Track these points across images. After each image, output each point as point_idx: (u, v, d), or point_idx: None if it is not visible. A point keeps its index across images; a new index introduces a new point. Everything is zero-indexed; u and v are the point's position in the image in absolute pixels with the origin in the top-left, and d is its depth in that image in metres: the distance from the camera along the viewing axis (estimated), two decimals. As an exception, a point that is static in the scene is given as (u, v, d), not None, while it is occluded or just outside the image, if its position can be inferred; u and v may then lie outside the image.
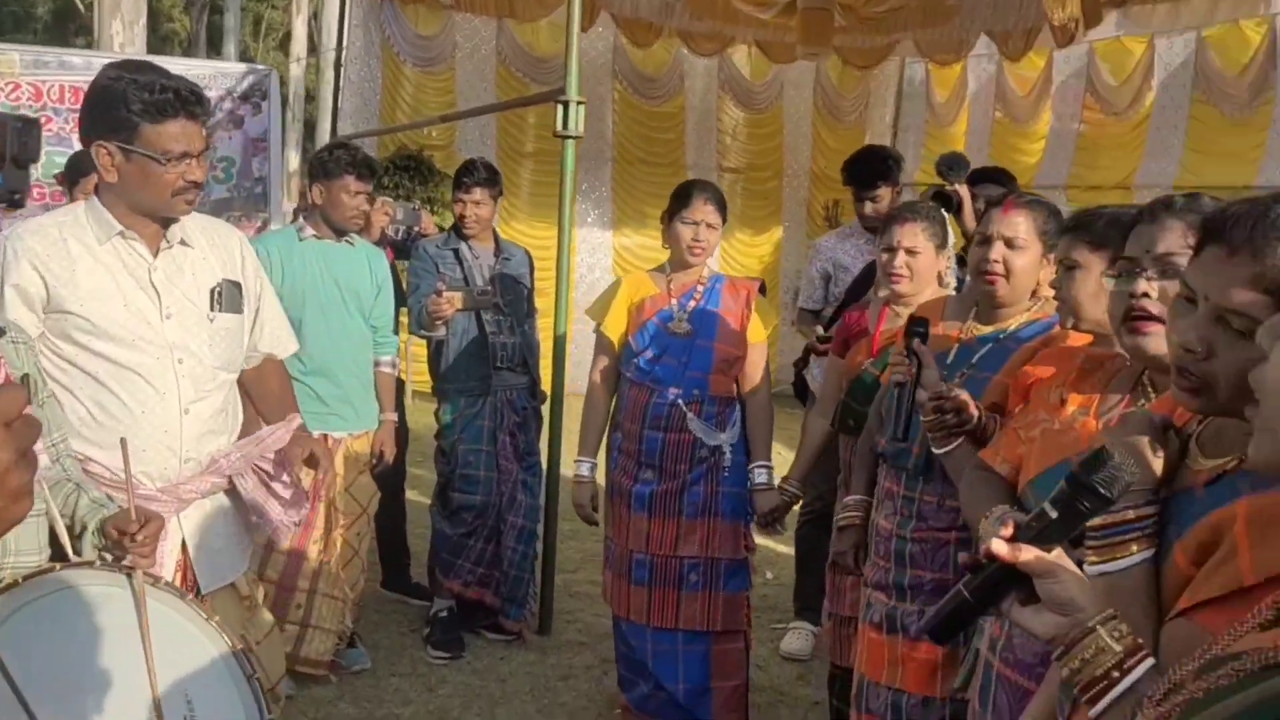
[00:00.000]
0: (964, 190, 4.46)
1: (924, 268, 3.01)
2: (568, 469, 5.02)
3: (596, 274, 9.40)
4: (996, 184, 4.67)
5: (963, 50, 8.53)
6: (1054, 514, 1.10)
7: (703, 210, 3.44)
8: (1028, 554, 1.09)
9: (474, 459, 4.37)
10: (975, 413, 2.22)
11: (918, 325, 2.48)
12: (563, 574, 4.86)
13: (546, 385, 4.62)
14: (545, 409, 4.63)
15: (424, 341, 4.54)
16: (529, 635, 4.46)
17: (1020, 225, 2.44)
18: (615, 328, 3.57)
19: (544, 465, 4.56)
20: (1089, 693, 1.07)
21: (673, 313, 3.48)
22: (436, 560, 4.43)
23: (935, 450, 2.30)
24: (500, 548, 4.38)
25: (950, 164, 4.66)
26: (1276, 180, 7.38)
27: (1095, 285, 2.01)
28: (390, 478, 4.41)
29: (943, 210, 3.24)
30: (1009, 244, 2.44)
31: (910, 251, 3.01)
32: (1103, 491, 1.09)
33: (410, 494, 5.13)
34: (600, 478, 3.68)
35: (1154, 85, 8.44)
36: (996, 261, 2.43)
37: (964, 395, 2.23)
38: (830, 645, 3.26)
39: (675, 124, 9.77)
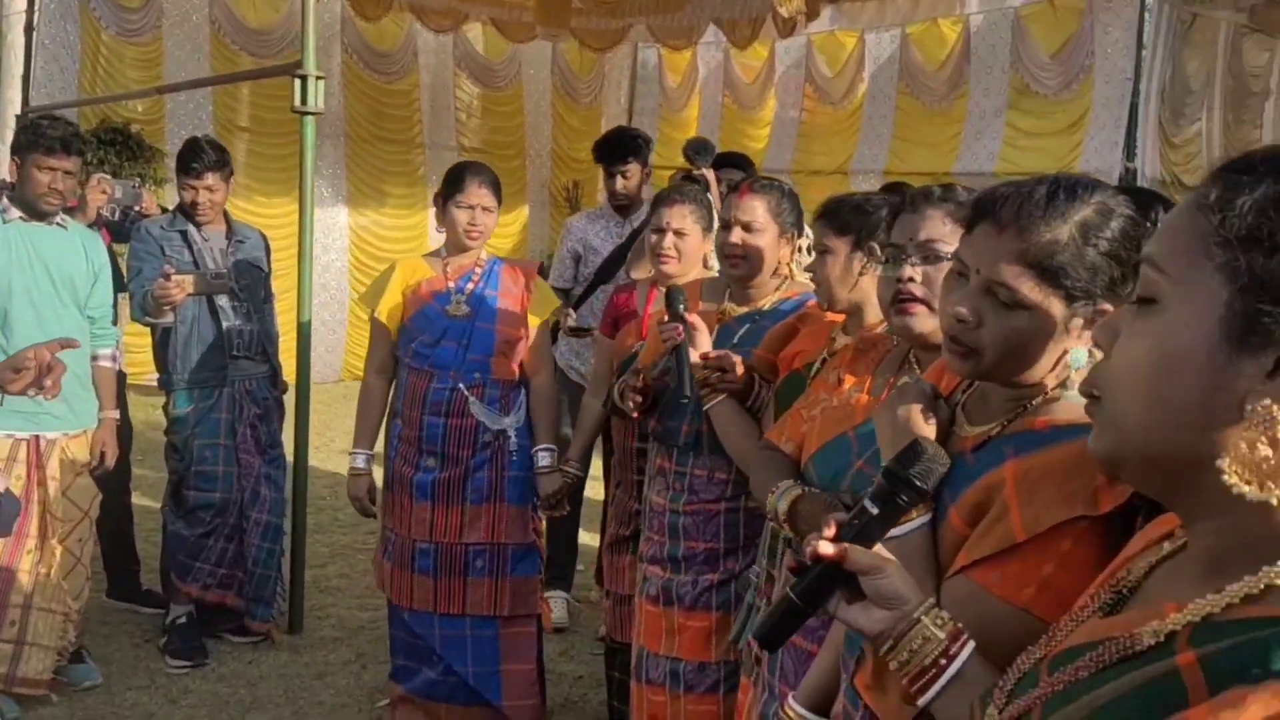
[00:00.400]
0: (710, 174, 4.62)
1: (691, 249, 3.10)
2: (314, 460, 4.85)
3: (331, 255, 9.02)
4: (738, 169, 4.87)
5: (693, 36, 8.80)
6: (874, 510, 1.13)
7: (478, 194, 3.38)
8: (854, 552, 1.10)
9: (211, 454, 4.12)
10: (742, 371, 2.37)
11: (677, 292, 2.61)
12: (311, 569, 4.67)
13: (290, 374, 4.41)
14: (289, 399, 4.42)
15: (143, 330, 4.22)
16: (279, 635, 4.26)
17: (756, 209, 2.59)
18: (390, 314, 3.47)
19: (289, 458, 4.35)
20: (918, 681, 1.09)
21: (450, 296, 3.41)
22: (172, 564, 4.15)
23: (705, 407, 2.42)
24: (244, 546, 4.15)
25: (697, 148, 4.82)
26: (972, 167, 8.11)
27: (842, 268, 2.17)
28: (114, 479, 4.08)
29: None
30: (746, 228, 2.58)
31: (678, 233, 3.08)
32: (919, 484, 1.14)
33: (134, 495, 4.75)
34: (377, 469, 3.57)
35: (865, 78, 9.05)
36: (736, 245, 2.57)
37: (734, 356, 2.38)
38: (609, 622, 3.31)
39: (409, 100, 9.52)
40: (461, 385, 3.37)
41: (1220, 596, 0.73)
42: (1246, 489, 0.72)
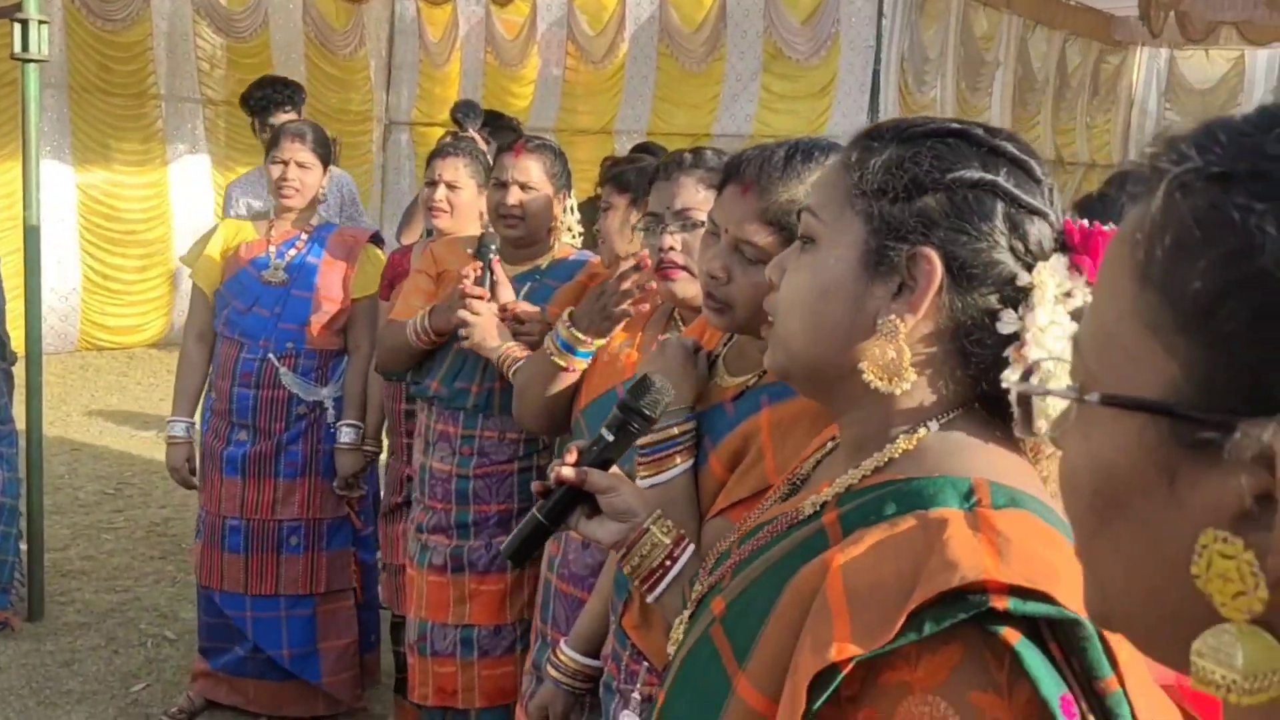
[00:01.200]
0: (478, 136, 4.58)
1: (465, 203, 3.07)
2: (50, 436, 4.50)
3: (60, 216, 8.26)
4: (510, 130, 4.85)
5: (452, -10, 8.66)
6: (610, 437, 1.24)
7: (290, 148, 3.21)
8: (593, 475, 1.21)
9: (-69, 433, 3.76)
10: (541, 327, 2.41)
11: (490, 239, 2.59)
12: (51, 553, 4.35)
13: (18, 345, 4.06)
14: (18, 370, 4.08)
15: None
16: (18, 624, 3.95)
17: (532, 169, 2.59)
18: (207, 277, 3.28)
19: (21, 435, 4.03)
20: (647, 582, 1.23)
21: (269, 261, 3.25)
22: (-113, 555, 3.77)
23: (509, 367, 2.40)
24: (-27, 530, 3.82)
25: (465, 110, 4.77)
26: (730, 129, 8.39)
27: (621, 221, 2.23)
28: None
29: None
30: (523, 188, 2.58)
31: (451, 185, 3.04)
32: (647, 413, 1.23)
33: None
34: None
35: (626, 38, 9.15)
36: (515, 205, 2.57)
37: (534, 308, 2.42)
38: (386, 595, 3.25)
39: (142, 50, 8.83)
40: (272, 355, 3.22)
41: (857, 471, 0.91)
42: (880, 384, 0.89)
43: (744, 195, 1.36)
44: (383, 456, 3.48)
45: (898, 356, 0.88)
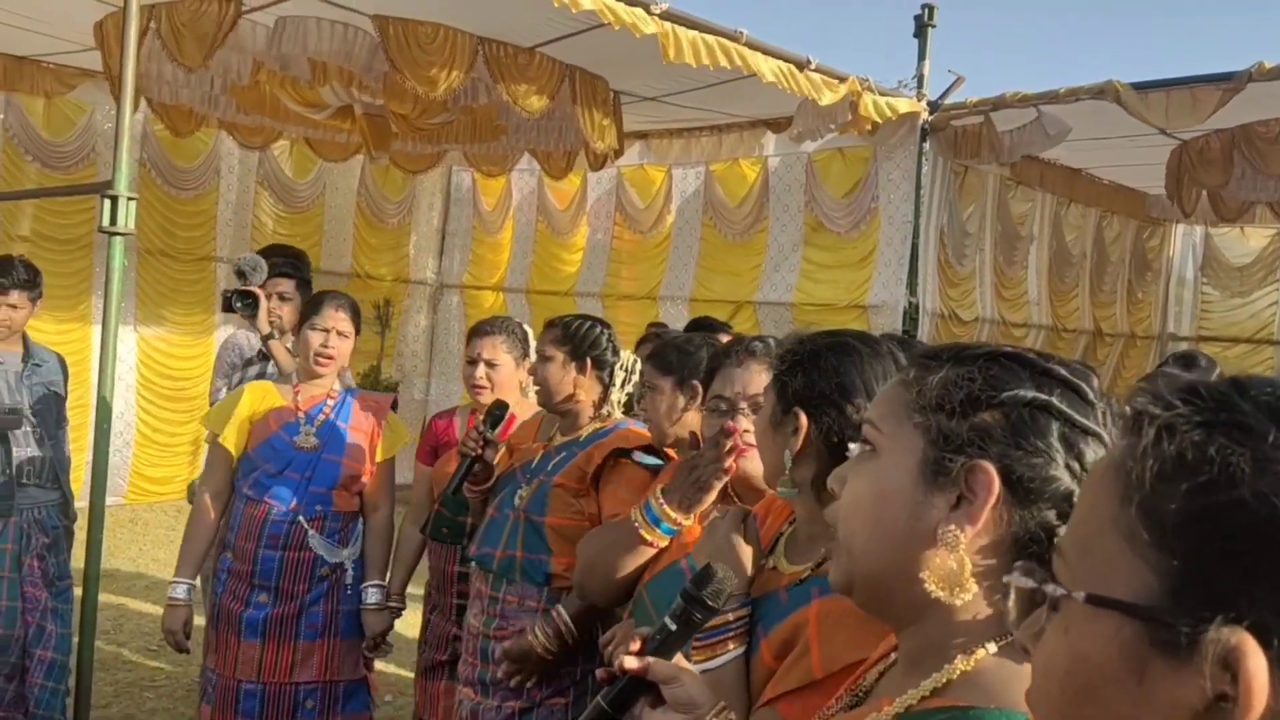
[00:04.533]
0: (260, 292, 4.41)
1: (504, 379, 3.22)
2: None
3: (120, 372, 8.57)
4: (290, 271, 4.65)
5: (508, 165, 9.05)
6: (673, 627, 1.27)
7: (333, 317, 3.36)
8: (656, 665, 1.23)
9: (-7, 587, 3.86)
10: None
11: (497, 409, 2.83)
12: (96, 709, 4.37)
13: (82, 498, 4.19)
14: (80, 526, 4.19)
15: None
16: (58, 783, 3.96)
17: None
18: (235, 441, 3.38)
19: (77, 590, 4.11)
20: None
21: (299, 426, 3.36)
22: (-59, 707, 3.83)
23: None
24: (25, 686, 3.88)
25: (251, 266, 4.52)
26: (772, 296, 8.61)
27: (668, 404, 2.33)
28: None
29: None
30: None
31: (490, 364, 3.19)
32: (710, 604, 1.27)
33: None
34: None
35: (673, 209, 9.50)
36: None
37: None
38: None
39: (208, 218, 9.27)
40: (302, 518, 3.30)
41: (916, 691, 0.93)
42: (941, 594, 0.91)
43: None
44: (408, 613, 3.55)
45: (959, 567, 0.90)
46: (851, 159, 8.31)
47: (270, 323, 4.25)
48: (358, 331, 3.49)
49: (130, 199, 4.15)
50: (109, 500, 4.30)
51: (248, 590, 3.31)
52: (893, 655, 1.09)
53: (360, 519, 3.45)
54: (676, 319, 8.50)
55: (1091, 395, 0.96)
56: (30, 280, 3.96)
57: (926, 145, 7.84)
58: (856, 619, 1.34)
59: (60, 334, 7.55)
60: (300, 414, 3.39)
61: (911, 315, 7.88)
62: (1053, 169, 8.98)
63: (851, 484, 1.01)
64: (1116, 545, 0.63)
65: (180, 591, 3.35)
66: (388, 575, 3.54)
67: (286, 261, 4.61)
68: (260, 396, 3.44)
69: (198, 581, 3.44)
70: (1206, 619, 0.57)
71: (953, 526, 0.91)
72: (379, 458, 3.45)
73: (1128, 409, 0.68)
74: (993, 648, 0.92)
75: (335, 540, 3.36)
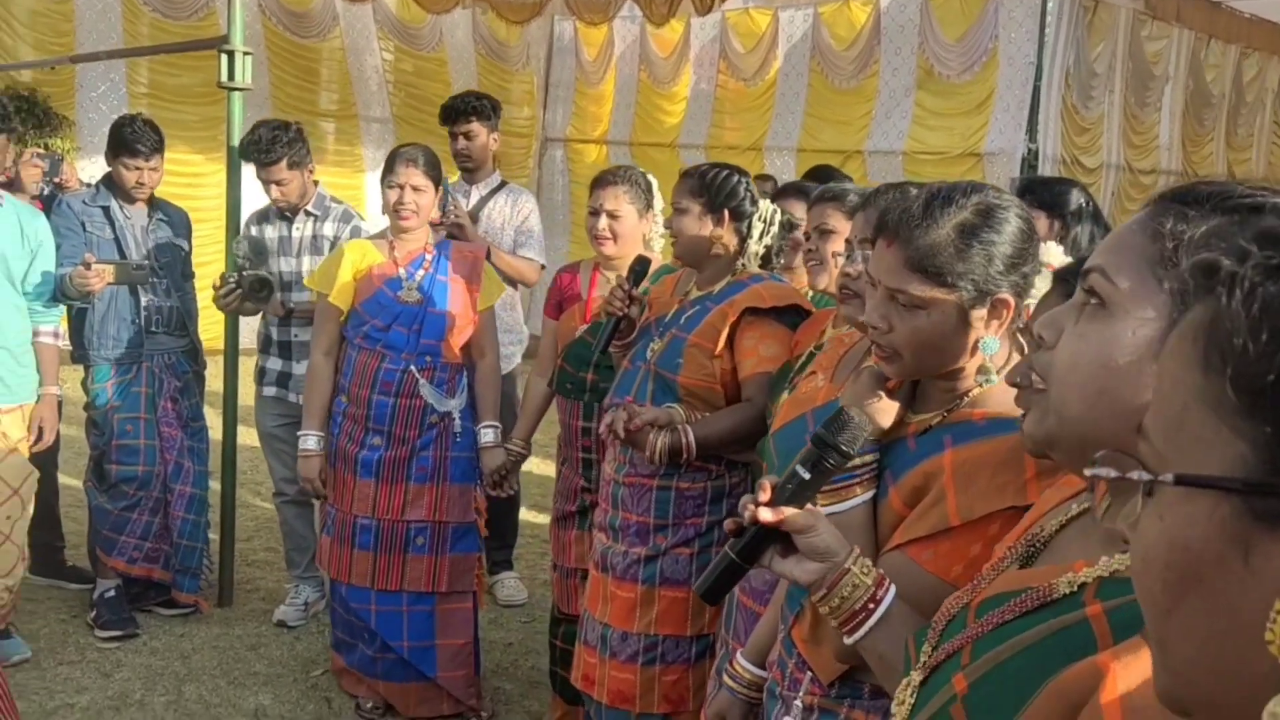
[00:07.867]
0: (272, 278, 4.21)
1: (627, 230, 3.20)
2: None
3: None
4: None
5: (609, 11, 8.83)
6: (806, 474, 1.25)
7: (405, 173, 3.40)
8: (790, 514, 1.23)
9: (133, 428, 4.12)
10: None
11: (639, 265, 2.82)
12: (238, 543, 4.68)
13: (217, 346, 4.40)
14: (213, 372, 4.42)
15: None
16: (208, 608, 4.29)
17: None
18: (343, 298, 3.48)
19: (210, 430, 4.36)
20: (849, 624, 1.23)
21: (402, 282, 3.46)
22: (97, 539, 4.14)
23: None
24: (169, 519, 4.16)
25: (256, 249, 4.29)
26: (882, 145, 8.36)
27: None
28: (42, 454, 4.05)
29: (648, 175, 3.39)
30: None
31: (612, 214, 3.18)
32: (845, 449, 1.25)
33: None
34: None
35: (778, 55, 9.20)
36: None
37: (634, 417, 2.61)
38: (556, 594, 3.40)
39: (338, 66, 9.17)
40: (413, 367, 3.42)
41: (1123, 557, 0.86)
42: None
43: (889, 247, 1.42)
44: (534, 463, 3.67)
45: None
46: (969, -2, 7.90)
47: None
48: (438, 184, 3.51)
49: (246, 54, 4.21)
50: (242, 345, 4.50)
51: (363, 433, 3.46)
52: (1074, 506, 1.02)
53: (464, 372, 3.56)
54: (783, 170, 8.33)
55: None
56: (160, 142, 4.08)
57: (1053, -21, 7.40)
58: (994, 467, 1.34)
59: (192, 186, 7.63)
60: (400, 270, 3.48)
61: (1031, 163, 7.58)
62: (1191, 2, 8.40)
63: (1073, 343, 0.91)
64: (1202, 418, 0.57)
65: (311, 442, 3.52)
66: (516, 425, 3.66)
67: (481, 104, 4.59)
68: (361, 255, 3.52)
69: (325, 432, 3.60)
70: None
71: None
72: (480, 307, 3.55)
73: (1196, 261, 0.61)
74: None
75: (444, 390, 3.48)
